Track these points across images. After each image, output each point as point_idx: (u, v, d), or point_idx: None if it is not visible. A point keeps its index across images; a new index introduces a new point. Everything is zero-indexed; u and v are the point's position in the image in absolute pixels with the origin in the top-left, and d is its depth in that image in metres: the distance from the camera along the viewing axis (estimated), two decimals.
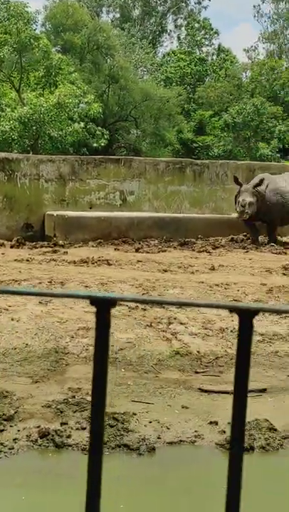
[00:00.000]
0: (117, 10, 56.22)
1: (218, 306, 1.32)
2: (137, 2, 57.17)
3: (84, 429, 6.82)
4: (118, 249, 15.82)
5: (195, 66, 50.46)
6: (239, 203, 16.79)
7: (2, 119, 32.06)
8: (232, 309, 1.28)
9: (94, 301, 1.25)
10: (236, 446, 1.32)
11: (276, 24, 55.77)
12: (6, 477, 6.19)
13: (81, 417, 7.05)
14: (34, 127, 31.57)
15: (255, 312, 1.23)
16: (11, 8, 35.64)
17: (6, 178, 17.66)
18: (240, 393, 1.31)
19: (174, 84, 48.48)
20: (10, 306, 9.83)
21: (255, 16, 63.56)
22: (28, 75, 35.13)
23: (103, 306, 1.24)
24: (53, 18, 44.15)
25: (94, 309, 5.29)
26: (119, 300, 1.27)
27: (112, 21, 53.83)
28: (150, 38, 56.78)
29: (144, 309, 9.93)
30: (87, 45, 42.27)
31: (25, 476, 6.33)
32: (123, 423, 6.76)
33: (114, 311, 7.20)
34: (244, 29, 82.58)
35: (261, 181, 16.95)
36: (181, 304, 1.64)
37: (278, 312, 1.31)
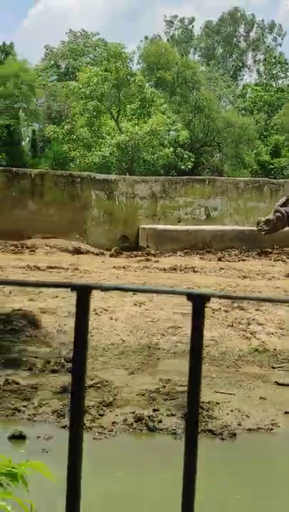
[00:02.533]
0: (203, 49, 56.37)
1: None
2: (220, 42, 57.17)
3: (173, 415, 6.80)
4: (203, 258, 15.89)
5: (275, 94, 49.98)
6: None
7: (103, 146, 32.63)
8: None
9: (191, 296, 1.25)
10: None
11: None
12: (106, 455, 6.31)
13: (171, 405, 7.13)
14: (130, 152, 32.03)
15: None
16: (111, 49, 36.27)
17: (106, 196, 18.00)
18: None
19: (253, 112, 48.27)
20: (109, 307, 9.96)
21: None
22: (125, 107, 35.62)
23: (199, 301, 1.24)
24: (147, 57, 44.64)
25: (180, 310, 5.35)
26: (211, 296, 1.28)
27: (199, 58, 54.02)
28: (231, 72, 56.67)
29: (226, 311, 9.93)
30: (177, 80, 42.64)
31: (122, 454, 6.46)
32: (208, 411, 6.81)
33: None
34: None
35: (287, 201, 16.44)
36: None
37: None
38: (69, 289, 1.35)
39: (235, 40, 56.77)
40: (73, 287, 1.28)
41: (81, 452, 1.38)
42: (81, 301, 1.26)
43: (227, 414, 6.71)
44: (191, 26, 53.98)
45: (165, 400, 7.27)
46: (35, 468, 1.79)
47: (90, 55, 46.55)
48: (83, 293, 1.27)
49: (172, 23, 53.81)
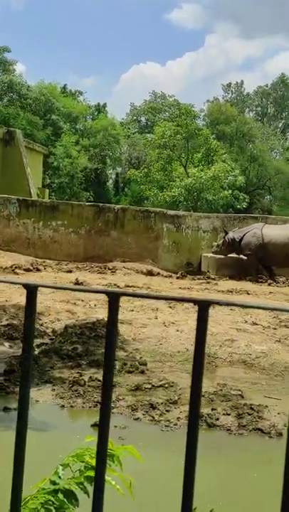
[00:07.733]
0: (258, 109, 55.91)
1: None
2: (272, 103, 56.58)
3: (228, 414, 6.56)
4: (254, 283, 15.36)
5: None
6: None
7: (173, 187, 32.71)
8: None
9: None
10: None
11: None
12: (170, 445, 6.07)
13: (226, 406, 6.80)
14: (195, 193, 31.92)
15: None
16: (183, 108, 36.69)
17: (174, 228, 17.86)
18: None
19: None
20: (176, 321, 9.71)
21: None
22: (192, 155, 35.70)
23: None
24: (211, 115, 44.81)
25: (235, 326, 5.18)
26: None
27: (254, 116, 53.64)
28: (282, 128, 55.88)
29: (275, 328, 9.57)
30: (235, 134, 42.48)
31: (184, 445, 6.07)
32: (258, 412, 6.49)
33: (252, 328, 6.92)
34: None
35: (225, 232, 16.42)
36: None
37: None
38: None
39: (283, 102, 56.10)
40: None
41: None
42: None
43: (274, 416, 6.38)
44: (243, 89, 54.28)
45: (221, 401, 7.00)
46: (128, 451, 1.72)
47: (166, 113, 47.14)
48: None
49: (229, 87, 54.16)
